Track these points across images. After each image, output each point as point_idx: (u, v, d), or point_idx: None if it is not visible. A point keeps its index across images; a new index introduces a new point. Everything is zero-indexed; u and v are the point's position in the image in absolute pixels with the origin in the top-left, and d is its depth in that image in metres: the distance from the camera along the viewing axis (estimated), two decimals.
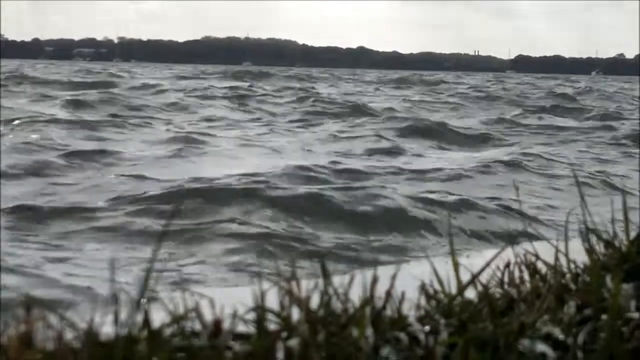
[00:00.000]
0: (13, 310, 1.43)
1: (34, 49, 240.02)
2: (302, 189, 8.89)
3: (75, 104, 23.64)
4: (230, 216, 7.58)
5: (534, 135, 19.66)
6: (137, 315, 1.35)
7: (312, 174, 10.69)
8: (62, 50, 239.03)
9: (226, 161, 12.72)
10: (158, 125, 18.57)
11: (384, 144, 15.54)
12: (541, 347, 1.36)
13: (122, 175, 10.37)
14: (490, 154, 14.54)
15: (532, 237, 2.10)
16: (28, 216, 7.38)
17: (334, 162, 12.06)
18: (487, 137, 18.31)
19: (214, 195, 8.47)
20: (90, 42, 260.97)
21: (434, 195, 9.04)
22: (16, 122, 16.33)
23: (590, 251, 1.93)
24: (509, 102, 34.14)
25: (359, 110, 24.40)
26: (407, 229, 7.52)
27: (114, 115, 20.02)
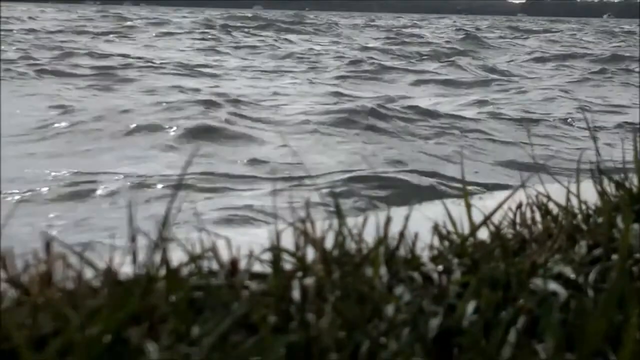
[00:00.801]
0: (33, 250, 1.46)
1: None
2: None
3: None
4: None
5: None
6: (155, 255, 1.37)
7: None
8: None
9: None
10: None
11: None
12: (553, 285, 1.38)
13: None
14: None
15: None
16: None
17: None
18: None
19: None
20: None
21: None
22: None
23: (601, 192, 1.95)
24: None
25: None
26: None
27: None
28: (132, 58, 21.51)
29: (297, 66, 20.54)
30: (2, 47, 21.29)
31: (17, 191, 6.73)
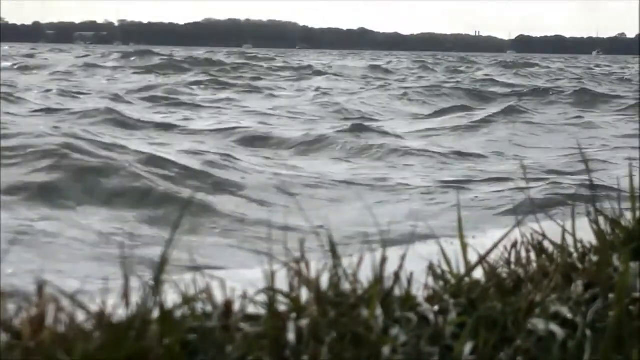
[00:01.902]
0: (25, 293, 1.44)
1: (34, 33, 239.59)
2: None
3: None
4: None
5: None
6: (149, 297, 1.36)
7: None
8: (63, 33, 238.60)
9: None
10: None
11: None
12: (550, 325, 1.37)
13: None
14: None
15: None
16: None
17: None
18: None
19: None
20: (90, 25, 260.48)
21: None
22: None
23: (597, 231, 1.94)
24: None
25: None
26: None
27: None
28: None
29: None
30: None
31: None
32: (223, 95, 23.47)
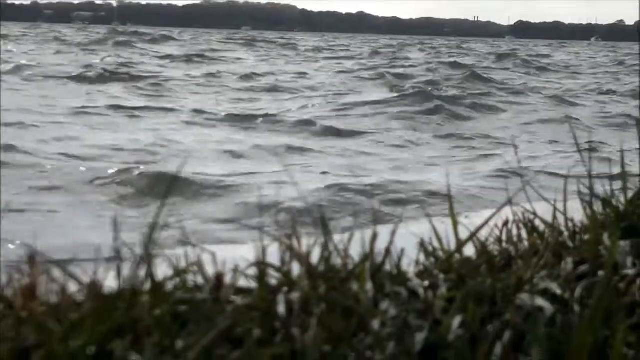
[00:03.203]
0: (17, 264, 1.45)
1: (32, 12, 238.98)
2: None
3: None
4: None
5: None
6: (140, 269, 1.37)
7: None
8: (61, 13, 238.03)
9: None
10: None
11: None
12: (539, 301, 1.37)
13: None
14: None
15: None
16: None
17: None
18: None
19: None
20: (89, 6, 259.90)
21: None
22: None
23: (588, 210, 1.95)
24: None
25: None
26: None
27: None
28: None
29: None
30: None
31: None
32: None
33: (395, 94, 17.07)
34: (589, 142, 9.64)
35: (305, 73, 25.52)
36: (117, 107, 13.96)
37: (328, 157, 9.86)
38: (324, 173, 8.28)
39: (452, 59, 35.69)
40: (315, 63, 31.50)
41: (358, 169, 8.56)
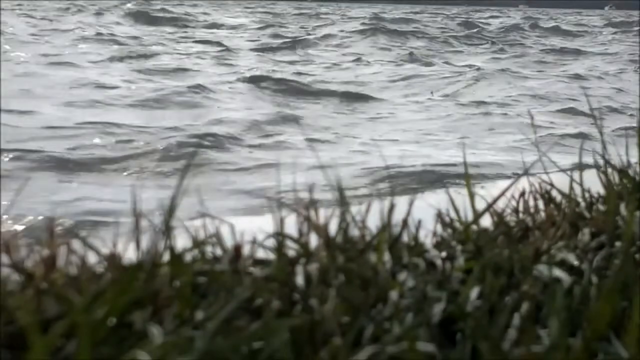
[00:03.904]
0: (37, 234, 1.46)
1: None
2: None
3: None
4: None
5: None
6: (159, 241, 1.37)
7: None
8: None
9: None
10: None
11: None
12: (556, 271, 1.38)
13: None
14: None
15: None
16: None
17: None
18: None
19: None
20: None
21: None
22: None
23: (605, 180, 1.95)
24: None
25: None
26: None
27: None
28: None
29: None
30: None
31: None
32: None
33: None
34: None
35: None
36: None
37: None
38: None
39: None
40: None
41: None
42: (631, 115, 11.18)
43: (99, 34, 24.57)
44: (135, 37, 24.45)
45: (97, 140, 7.97)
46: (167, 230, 1.37)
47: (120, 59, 17.51)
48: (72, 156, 7.26)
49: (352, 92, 13.39)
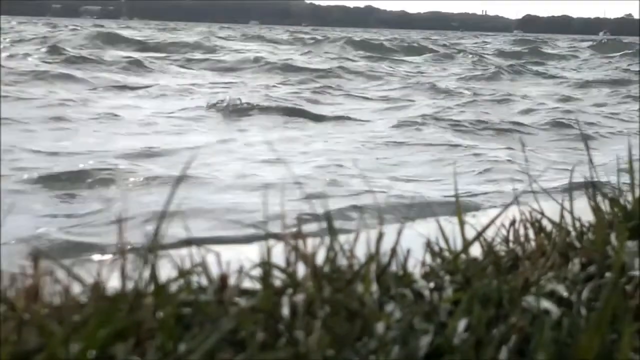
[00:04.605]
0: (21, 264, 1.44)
1: (40, 7, 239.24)
2: None
3: None
4: None
5: None
6: (144, 270, 1.36)
7: None
8: (69, 7, 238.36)
9: None
10: None
11: None
12: (545, 303, 1.36)
13: None
14: None
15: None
16: None
17: None
18: None
19: None
20: (97, 0, 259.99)
21: None
22: None
23: (596, 209, 1.94)
24: None
25: None
26: None
27: None
28: None
29: None
30: None
31: None
32: None
33: None
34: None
35: None
36: None
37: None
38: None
39: None
40: None
41: None
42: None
43: None
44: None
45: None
46: (151, 259, 1.35)
47: None
48: None
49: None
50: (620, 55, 37.95)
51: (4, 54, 21.89)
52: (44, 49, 24.63)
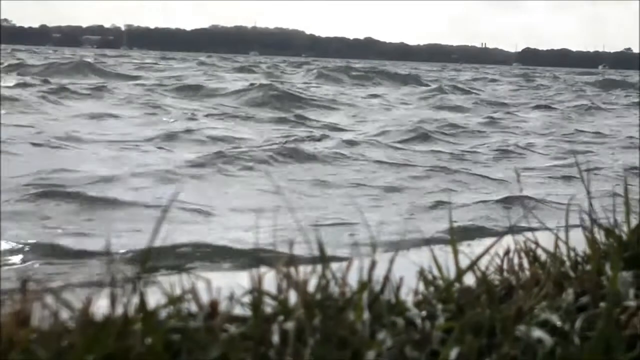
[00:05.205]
0: (9, 289, 1.43)
1: (40, 36, 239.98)
2: None
3: None
4: None
5: None
6: (133, 296, 1.34)
7: None
8: (70, 36, 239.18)
9: None
10: None
11: None
12: (537, 332, 1.35)
13: None
14: None
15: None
16: None
17: None
18: None
19: None
20: (97, 30, 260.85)
21: None
22: None
23: (590, 239, 1.92)
24: None
25: None
26: None
27: None
28: None
29: None
30: None
31: None
32: None
33: None
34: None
35: None
36: None
37: None
38: None
39: None
40: None
41: None
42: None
43: None
44: None
45: None
46: (139, 285, 1.34)
47: None
48: None
49: None
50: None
51: None
52: None
